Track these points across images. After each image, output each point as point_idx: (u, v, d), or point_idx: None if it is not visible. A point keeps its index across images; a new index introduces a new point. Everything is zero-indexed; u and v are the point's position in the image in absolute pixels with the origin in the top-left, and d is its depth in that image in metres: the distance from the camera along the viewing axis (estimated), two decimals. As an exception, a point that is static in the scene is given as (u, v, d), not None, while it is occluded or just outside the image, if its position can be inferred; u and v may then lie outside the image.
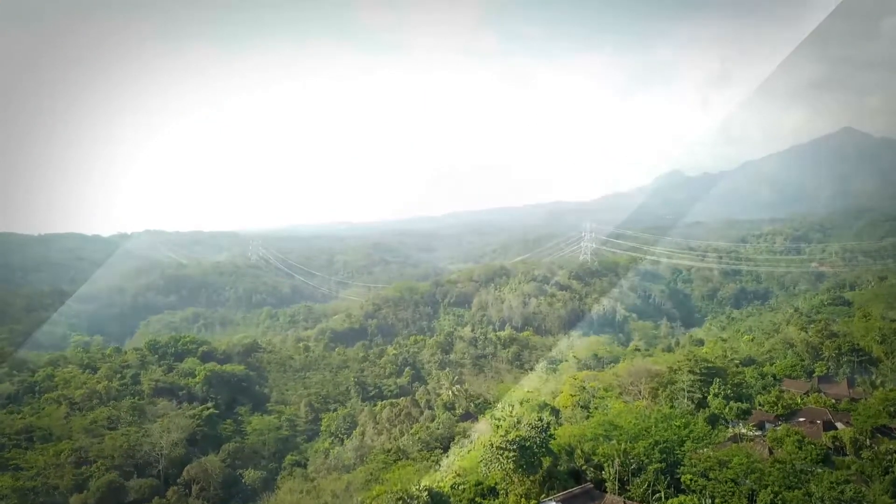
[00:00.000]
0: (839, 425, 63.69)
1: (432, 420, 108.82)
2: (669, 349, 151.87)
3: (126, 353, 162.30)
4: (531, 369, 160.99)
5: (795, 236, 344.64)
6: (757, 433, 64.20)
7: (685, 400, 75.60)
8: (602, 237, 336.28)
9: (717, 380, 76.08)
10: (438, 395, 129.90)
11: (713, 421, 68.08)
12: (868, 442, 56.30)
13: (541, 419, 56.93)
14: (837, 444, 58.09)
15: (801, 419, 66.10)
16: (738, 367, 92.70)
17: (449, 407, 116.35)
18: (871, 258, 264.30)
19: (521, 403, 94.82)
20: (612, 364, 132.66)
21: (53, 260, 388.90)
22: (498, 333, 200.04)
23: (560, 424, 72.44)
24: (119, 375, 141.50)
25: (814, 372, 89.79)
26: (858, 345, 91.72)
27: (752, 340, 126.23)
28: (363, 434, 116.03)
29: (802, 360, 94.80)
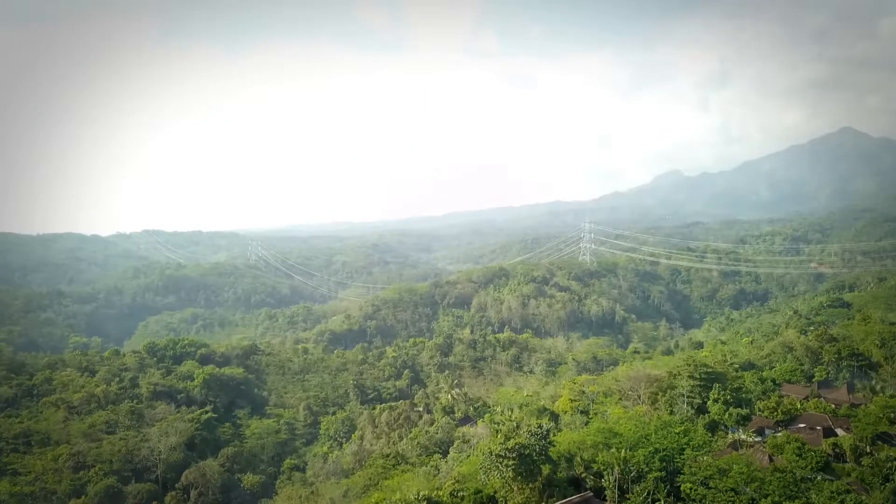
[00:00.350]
0: (839, 431, 63.59)
1: (431, 424, 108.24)
2: (669, 351, 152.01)
3: (124, 355, 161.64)
4: (530, 372, 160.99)
5: (794, 237, 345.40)
6: (757, 439, 64.03)
7: (685, 405, 75.33)
8: (601, 237, 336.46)
9: (717, 385, 75.89)
10: (437, 398, 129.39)
11: (713, 427, 68.03)
12: (868, 449, 56.16)
13: (540, 426, 56.69)
14: (838, 451, 57.96)
15: (801, 425, 65.97)
16: (737, 371, 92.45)
17: (448, 410, 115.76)
18: (870, 259, 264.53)
19: (520, 407, 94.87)
20: (612, 367, 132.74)
21: (52, 260, 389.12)
22: (497, 335, 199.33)
23: (559, 430, 72.13)
24: (117, 379, 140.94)
25: (813, 377, 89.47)
26: (858, 349, 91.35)
27: (752, 343, 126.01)
28: (362, 438, 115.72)
29: (802, 365, 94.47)
